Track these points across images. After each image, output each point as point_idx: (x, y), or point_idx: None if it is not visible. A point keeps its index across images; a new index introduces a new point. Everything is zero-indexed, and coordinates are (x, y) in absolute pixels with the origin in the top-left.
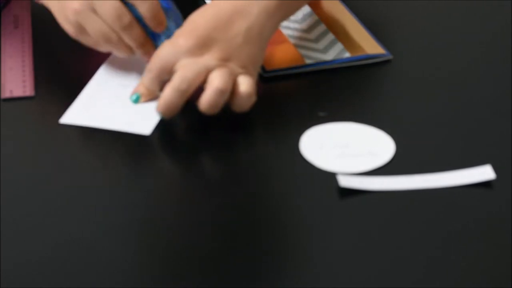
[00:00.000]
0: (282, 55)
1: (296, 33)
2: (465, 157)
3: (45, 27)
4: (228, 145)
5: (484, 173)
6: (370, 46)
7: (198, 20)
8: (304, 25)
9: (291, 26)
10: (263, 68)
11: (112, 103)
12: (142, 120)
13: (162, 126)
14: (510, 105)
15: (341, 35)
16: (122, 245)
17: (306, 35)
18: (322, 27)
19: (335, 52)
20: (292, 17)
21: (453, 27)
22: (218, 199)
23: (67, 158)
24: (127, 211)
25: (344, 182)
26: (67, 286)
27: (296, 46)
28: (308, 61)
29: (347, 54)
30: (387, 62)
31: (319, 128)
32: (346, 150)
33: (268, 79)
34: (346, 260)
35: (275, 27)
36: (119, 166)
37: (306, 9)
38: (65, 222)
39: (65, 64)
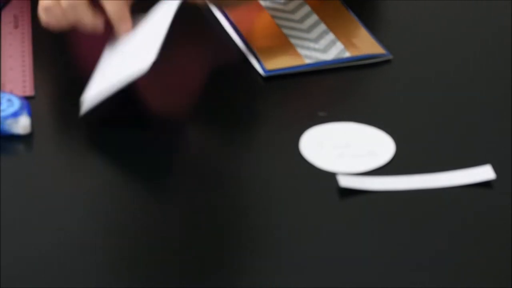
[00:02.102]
0: (282, 55)
1: (295, 33)
2: (465, 157)
3: (45, 27)
4: (228, 145)
5: (484, 173)
6: (370, 46)
7: None
8: (303, 25)
9: (290, 26)
10: (263, 68)
11: (108, 66)
12: (138, 59)
13: (162, 126)
14: (510, 105)
15: (341, 34)
16: (120, 245)
17: (306, 35)
18: (322, 27)
19: (335, 52)
20: (292, 17)
21: (453, 27)
22: (218, 199)
23: (67, 158)
24: (126, 211)
25: (344, 182)
26: (67, 286)
27: (296, 46)
28: (308, 61)
29: (347, 54)
30: (387, 62)
31: (319, 128)
32: (346, 150)
33: (268, 79)
34: (346, 260)
35: None
36: (117, 166)
37: (306, 9)
38: (65, 222)
39: (65, 64)
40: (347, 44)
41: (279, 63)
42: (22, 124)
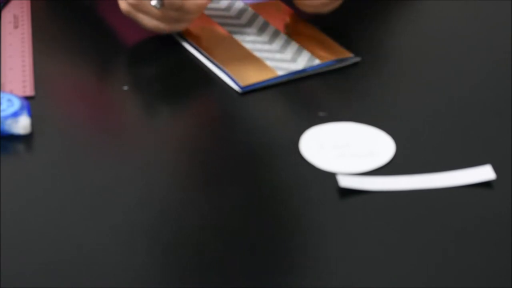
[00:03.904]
0: (253, 70)
1: (258, 46)
2: (465, 157)
3: (45, 27)
4: (228, 145)
5: (484, 173)
6: (336, 50)
7: None
8: (264, 37)
9: (250, 40)
10: (238, 84)
11: None
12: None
13: (162, 127)
14: (510, 105)
15: (305, 43)
16: (120, 245)
17: (269, 47)
18: (282, 37)
19: (304, 60)
20: (249, 30)
21: (452, 27)
22: (218, 199)
23: (67, 158)
24: (126, 211)
25: (344, 182)
26: (67, 286)
27: (264, 59)
28: (280, 72)
29: (316, 61)
30: (388, 62)
31: (319, 128)
32: (346, 150)
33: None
34: (346, 260)
35: None
36: (116, 166)
37: (260, 20)
38: (66, 222)
39: (65, 64)
40: (314, 51)
41: (253, 78)
42: (22, 124)
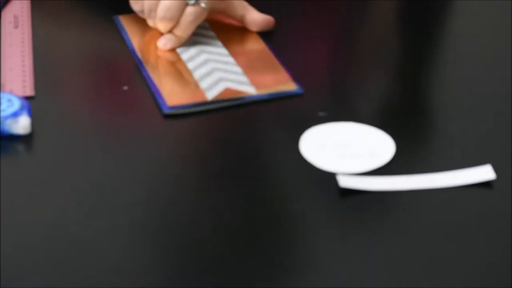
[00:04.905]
0: (184, 89)
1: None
2: (465, 157)
3: (45, 27)
4: (228, 145)
5: (484, 173)
6: (280, 80)
7: None
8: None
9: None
10: (164, 104)
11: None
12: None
13: (163, 126)
14: (510, 105)
15: (249, 66)
16: (120, 245)
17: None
18: (226, 57)
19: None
20: (192, 49)
21: (451, 25)
22: (217, 199)
23: (67, 158)
24: (126, 211)
25: (344, 182)
26: (67, 286)
27: (199, 80)
28: (209, 97)
29: (252, 91)
30: (388, 63)
31: (319, 128)
32: (346, 150)
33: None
34: (346, 260)
35: None
36: (116, 165)
37: (217, 43)
38: (66, 222)
39: (65, 64)
40: (254, 80)
41: (181, 98)
42: (22, 124)
